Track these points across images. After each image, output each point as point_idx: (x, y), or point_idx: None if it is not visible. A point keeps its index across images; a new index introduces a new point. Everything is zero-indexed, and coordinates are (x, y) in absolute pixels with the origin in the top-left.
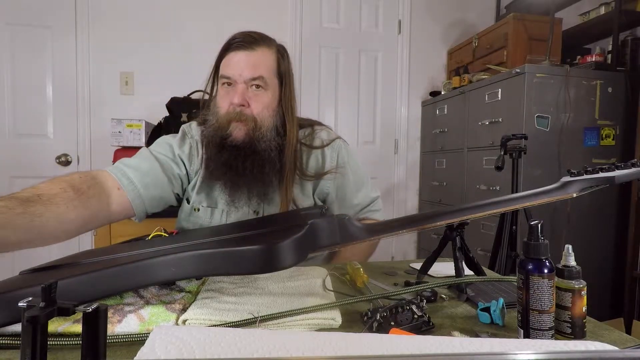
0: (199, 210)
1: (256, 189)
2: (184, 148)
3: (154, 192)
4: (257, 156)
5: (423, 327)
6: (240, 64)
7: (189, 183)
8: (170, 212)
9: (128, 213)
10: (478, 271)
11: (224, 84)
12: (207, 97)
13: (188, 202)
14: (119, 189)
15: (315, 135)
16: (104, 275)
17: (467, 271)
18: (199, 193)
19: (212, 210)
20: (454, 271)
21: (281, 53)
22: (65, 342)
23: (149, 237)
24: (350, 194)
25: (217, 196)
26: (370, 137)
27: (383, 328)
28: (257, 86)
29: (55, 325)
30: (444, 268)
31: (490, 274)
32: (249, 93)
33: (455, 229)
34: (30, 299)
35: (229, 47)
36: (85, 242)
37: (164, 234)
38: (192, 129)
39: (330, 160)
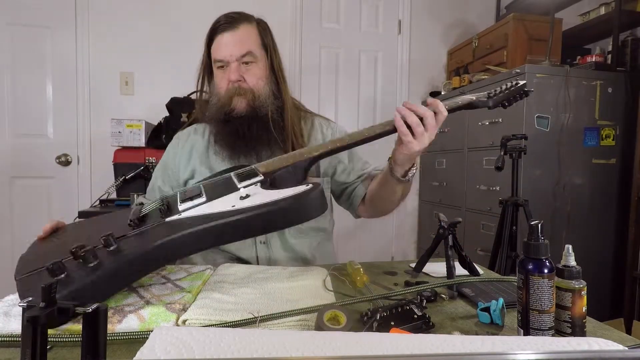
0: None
1: (264, 152)
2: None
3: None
4: (261, 121)
5: (423, 327)
6: (228, 45)
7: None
8: None
9: None
10: (471, 270)
11: (219, 67)
12: (200, 96)
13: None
14: None
15: (314, 117)
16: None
17: (463, 271)
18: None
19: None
20: (453, 271)
21: (262, 26)
22: (67, 339)
23: None
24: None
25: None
26: None
27: (383, 328)
28: (247, 62)
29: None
30: (443, 268)
31: (490, 274)
32: (242, 69)
33: (448, 227)
34: (30, 299)
35: (214, 32)
36: None
37: None
38: (179, 136)
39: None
